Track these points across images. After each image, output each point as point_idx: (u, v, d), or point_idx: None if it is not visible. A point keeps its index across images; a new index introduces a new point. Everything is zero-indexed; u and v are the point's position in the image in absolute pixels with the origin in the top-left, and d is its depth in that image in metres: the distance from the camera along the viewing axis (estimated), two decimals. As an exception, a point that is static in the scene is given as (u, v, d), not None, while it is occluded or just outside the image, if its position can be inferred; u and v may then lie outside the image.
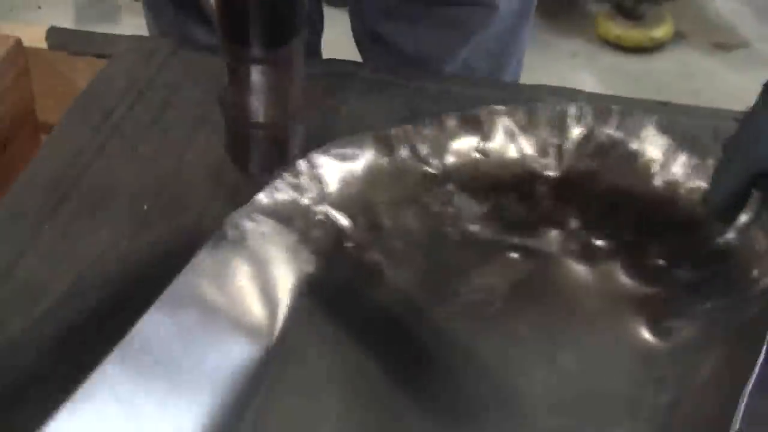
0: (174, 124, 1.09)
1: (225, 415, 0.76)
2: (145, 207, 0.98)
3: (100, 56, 1.20)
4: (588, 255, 0.90)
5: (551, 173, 0.94)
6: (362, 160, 0.93)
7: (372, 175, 0.93)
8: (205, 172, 1.02)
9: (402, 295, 0.88)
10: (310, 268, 0.88)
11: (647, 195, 0.91)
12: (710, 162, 0.89)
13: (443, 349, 0.84)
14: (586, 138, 0.94)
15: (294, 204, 0.89)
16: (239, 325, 0.81)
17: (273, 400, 0.79)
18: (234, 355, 0.79)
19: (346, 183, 0.92)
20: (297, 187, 0.90)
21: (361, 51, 1.34)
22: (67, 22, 2.83)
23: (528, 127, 0.95)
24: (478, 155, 0.95)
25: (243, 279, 0.83)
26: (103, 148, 1.05)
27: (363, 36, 1.32)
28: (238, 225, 0.85)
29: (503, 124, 0.95)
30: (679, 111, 1.09)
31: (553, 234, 0.91)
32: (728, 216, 0.86)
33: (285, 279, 0.86)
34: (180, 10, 1.29)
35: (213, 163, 1.03)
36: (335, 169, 0.92)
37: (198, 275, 0.80)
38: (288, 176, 0.89)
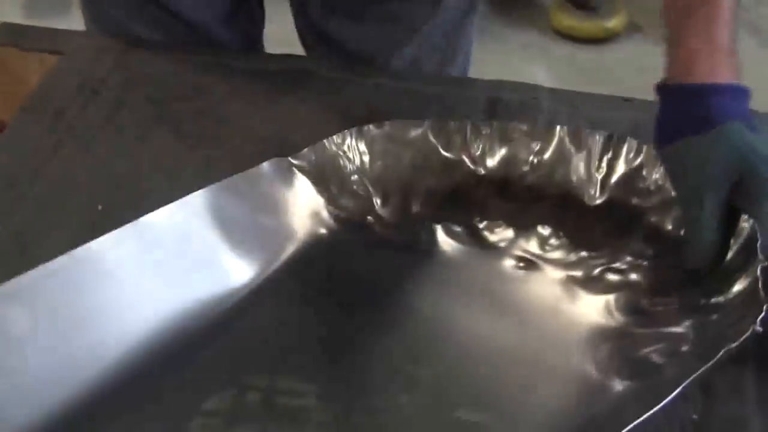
0: (128, 123, 1.07)
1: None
2: (100, 207, 0.97)
3: (52, 52, 1.18)
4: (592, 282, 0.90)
5: (593, 202, 0.95)
6: (413, 145, 0.96)
7: (419, 161, 0.96)
8: (160, 171, 1.01)
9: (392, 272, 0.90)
10: (322, 230, 0.91)
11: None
12: None
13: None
14: (629, 176, 0.95)
15: (334, 168, 0.93)
16: (232, 253, 0.87)
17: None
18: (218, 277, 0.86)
19: (391, 161, 0.95)
20: (342, 154, 0.94)
21: (305, 48, 1.32)
22: (15, 13, 2.79)
23: (580, 147, 0.96)
24: (526, 167, 0.96)
25: (258, 216, 0.89)
26: (57, 148, 1.04)
27: (307, 33, 1.30)
28: (275, 168, 0.91)
29: (558, 140, 0.96)
30: (644, 107, 1.08)
31: (570, 256, 0.92)
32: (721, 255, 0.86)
33: (292, 232, 0.90)
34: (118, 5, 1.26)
35: (168, 163, 1.02)
36: (384, 146, 0.95)
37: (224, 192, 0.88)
38: (336, 140, 0.94)
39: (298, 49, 1.28)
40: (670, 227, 0.91)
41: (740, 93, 0.87)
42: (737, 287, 0.81)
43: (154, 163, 1.02)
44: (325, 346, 0.83)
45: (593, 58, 2.81)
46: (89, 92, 1.11)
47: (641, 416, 0.68)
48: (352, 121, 1.05)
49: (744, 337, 0.74)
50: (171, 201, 0.91)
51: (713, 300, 0.82)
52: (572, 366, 0.81)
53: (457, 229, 0.93)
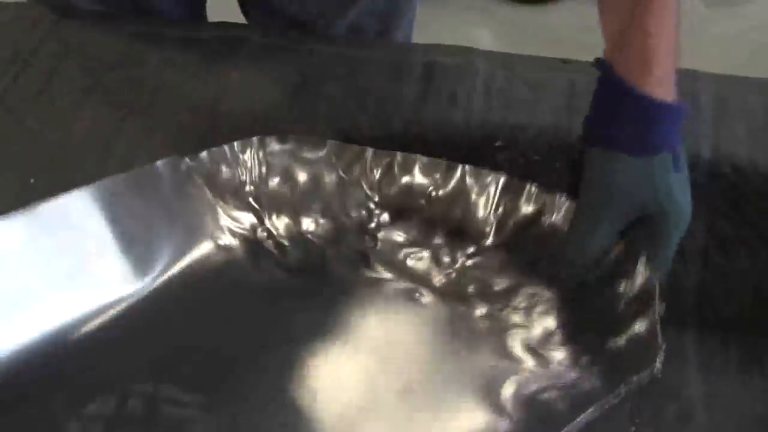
0: (60, 94, 1.06)
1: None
2: (32, 180, 0.95)
3: (-19, 24, 1.17)
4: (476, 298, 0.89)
5: (489, 242, 0.93)
6: (313, 164, 0.94)
7: (316, 181, 0.94)
8: (93, 142, 1.00)
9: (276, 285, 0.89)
10: (215, 240, 0.90)
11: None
12: None
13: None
14: (532, 220, 0.93)
15: (231, 176, 0.92)
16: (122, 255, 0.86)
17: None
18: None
19: (288, 177, 0.94)
20: (241, 163, 0.92)
21: (245, 14, 1.31)
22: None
23: (480, 186, 0.94)
24: (423, 200, 0.94)
25: (151, 218, 0.88)
26: (-13, 121, 1.02)
27: (248, 3, 1.29)
28: (171, 169, 0.89)
29: (459, 176, 0.94)
30: (582, 69, 1.08)
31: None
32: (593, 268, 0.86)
33: (185, 239, 0.89)
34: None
35: (102, 134, 1.01)
36: (283, 161, 0.94)
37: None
38: (237, 147, 0.92)
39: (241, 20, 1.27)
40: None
41: (680, 114, 0.85)
42: (635, 330, 0.81)
43: (88, 134, 1.01)
44: (212, 358, 0.82)
45: (536, 20, 2.81)
46: (21, 63, 1.09)
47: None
48: (286, 87, 1.05)
49: (643, 375, 0.76)
50: (104, 173, 0.91)
51: (611, 344, 0.81)
52: (464, 403, 0.80)
53: (348, 252, 0.92)
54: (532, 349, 0.84)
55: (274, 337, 0.84)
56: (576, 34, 2.67)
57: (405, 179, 0.94)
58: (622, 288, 0.84)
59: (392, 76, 1.08)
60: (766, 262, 0.89)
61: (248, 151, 0.93)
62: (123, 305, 0.85)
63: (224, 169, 0.92)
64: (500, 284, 0.89)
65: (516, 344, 0.84)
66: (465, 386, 0.81)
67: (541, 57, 1.13)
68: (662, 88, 0.83)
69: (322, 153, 0.94)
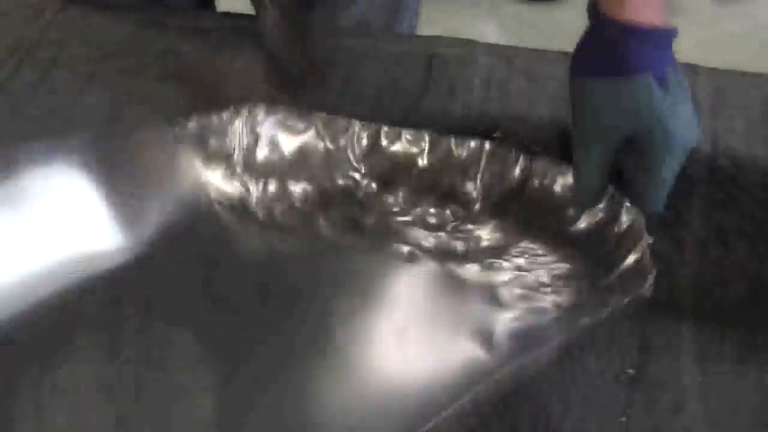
0: (62, 83, 1.06)
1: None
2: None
3: (-16, 13, 1.17)
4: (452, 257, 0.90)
5: (474, 207, 0.94)
6: (300, 135, 0.96)
7: (303, 151, 0.95)
8: (94, 131, 0.99)
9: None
10: (204, 209, 0.91)
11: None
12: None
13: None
14: (519, 186, 0.94)
15: (219, 145, 0.93)
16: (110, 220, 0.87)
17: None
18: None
19: (276, 147, 0.95)
20: (230, 132, 0.94)
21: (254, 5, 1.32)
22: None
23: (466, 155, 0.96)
24: (410, 170, 0.95)
25: (140, 185, 0.89)
26: (-11, 110, 1.03)
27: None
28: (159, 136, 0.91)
29: (446, 146, 0.96)
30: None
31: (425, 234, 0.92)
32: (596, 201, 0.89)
33: (173, 208, 0.90)
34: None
35: (102, 122, 1.01)
36: (271, 131, 0.95)
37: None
38: (224, 116, 0.94)
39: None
40: (557, 229, 0.91)
41: (665, 37, 0.85)
42: (626, 264, 0.83)
43: (88, 123, 1.01)
44: (206, 324, 0.83)
45: (543, 16, 2.80)
46: (23, 52, 1.09)
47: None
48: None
49: (632, 297, 0.79)
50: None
51: (603, 281, 0.84)
52: (456, 341, 0.82)
53: (337, 218, 0.93)
54: (524, 296, 0.85)
55: (268, 293, 0.85)
56: (581, 31, 2.68)
57: (392, 149, 0.95)
58: (611, 231, 0.87)
59: (392, 66, 1.08)
60: (764, 254, 0.89)
61: (237, 121, 0.94)
62: (110, 275, 0.85)
63: (212, 137, 0.93)
64: (489, 244, 0.91)
65: (507, 292, 0.86)
66: (457, 327, 0.83)
67: (541, 50, 1.13)
68: (642, 15, 0.84)
69: (309, 123, 0.95)
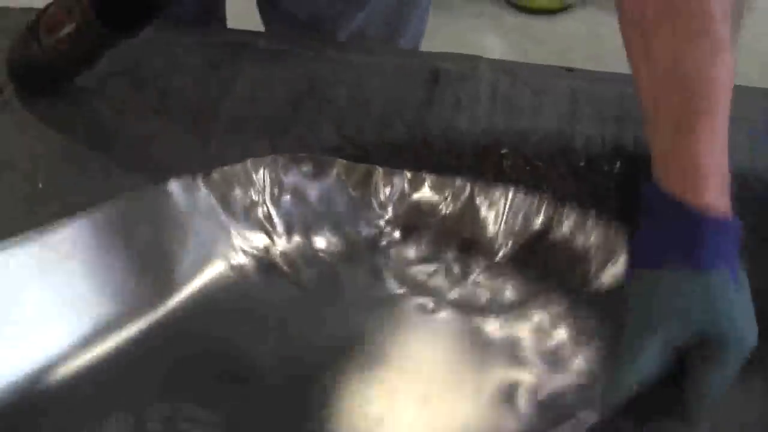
0: (66, 98, 1.06)
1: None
2: (40, 185, 0.96)
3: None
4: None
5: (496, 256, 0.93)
6: (323, 184, 0.95)
7: (326, 199, 0.94)
8: (99, 146, 1.01)
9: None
10: (228, 260, 0.90)
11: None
12: None
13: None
14: (541, 233, 0.93)
15: (243, 195, 0.92)
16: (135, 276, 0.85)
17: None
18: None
19: (299, 196, 0.94)
20: (253, 182, 0.93)
21: (262, 16, 1.33)
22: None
23: (489, 202, 0.95)
24: (433, 218, 0.95)
25: (163, 238, 0.87)
26: (-8, 124, 1.03)
27: (263, 4, 1.30)
28: (182, 187, 0.89)
29: (469, 193, 0.95)
30: (585, 77, 1.09)
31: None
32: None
33: (197, 259, 0.88)
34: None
35: (108, 137, 1.02)
36: (295, 179, 0.94)
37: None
38: (248, 166, 0.93)
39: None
40: (580, 283, 0.89)
41: (736, 231, 0.79)
42: None
43: (94, 138, 1.02)
44: (228, 376, 0.83)
45: (546, 29, 2.81)
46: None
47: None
48: (291, 92, 1.06)
49: None
50: (109, 176, 0.92)
51: None
52: (480, 409, 0.81)
53: (360, 269, 0.92)
54: (545, 357, 0.84)
55: (290, 353, 0.85)
56: (585, 44, 2.68)
57: (414, 197, 0.95)
58: None
59: (397, 82, 1.09)
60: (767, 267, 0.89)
61: (260, 171, 0.93)
62: (138, 326, 0.84)
63: (237, 188, 0.92)
64: (512, 296, 0.90)
65: (529, 353, 0.85)
66: (481, 393, 0.82)
67: (545, 65, 1.13)
68: (719, 203, 0.78)
69: (332, 172, 0.95)
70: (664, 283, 0.77)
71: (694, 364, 0.76)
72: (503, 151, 0.98)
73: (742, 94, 1.07)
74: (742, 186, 0.95)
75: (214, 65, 1.11)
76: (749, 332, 0.76)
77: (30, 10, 1.16)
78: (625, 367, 0.76)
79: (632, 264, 0.82)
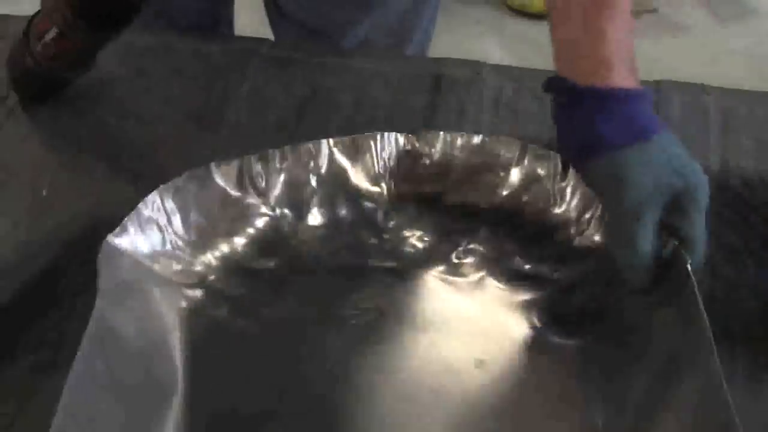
0: (70, 105, 1.06)
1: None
2: (44, 193, 0.96)
3: (-5, 37, 1.17)
4: (455, 270, 0.90)
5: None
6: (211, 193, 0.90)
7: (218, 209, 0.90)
8: (103, 153, 1.01)
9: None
10: (186, 302, 0.85)
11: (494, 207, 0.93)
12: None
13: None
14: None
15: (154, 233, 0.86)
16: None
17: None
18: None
19: (201, 215, 0.89)
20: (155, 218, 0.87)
21: (270, 23, 1.33)
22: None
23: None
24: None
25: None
26: (-1, 130, 1.03)
27: (270, 9, 1.31)
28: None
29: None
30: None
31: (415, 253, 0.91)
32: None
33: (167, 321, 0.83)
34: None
35: (111, 144, 1.02)
36: (190, 202, 0.88)
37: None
38: (149, 202, 0.86)
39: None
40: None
41: (650, 96, 0.84)
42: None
43: (97, 145, 1.02)
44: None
45: (546, 34, 2.80)
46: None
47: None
48: (295, 99, 1.06)
49: None
50: (114, 182, 0.91)
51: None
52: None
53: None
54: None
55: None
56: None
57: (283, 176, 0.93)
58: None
59: (401, 88, 1.09)
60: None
61: (156, 201, 0.86)
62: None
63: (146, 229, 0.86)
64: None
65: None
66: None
67: (549, 70, 1.13)
68: (627, 80, 0.82)
69: (210, 178, 0.90)
70: (629, 162, 0.79)
71: (679, 223, 0.80)
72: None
73: (746, 99, 1.07)
74: (749, 191, 0.95)
75: (218, 72, 1.11)
76: (702, 175, 0.80)
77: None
78: (629, 252, 0.79)
79: (576, 161, 0.85)
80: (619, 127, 0.80)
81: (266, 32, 1.28)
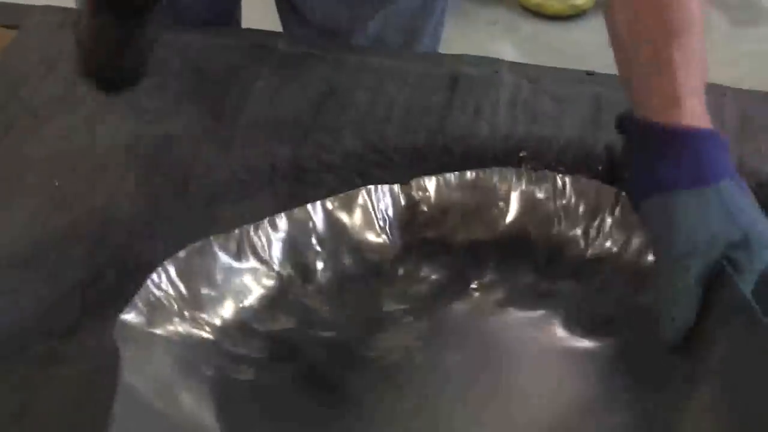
0: (85, 98, 1.05)
1: None
2: (57, 183, 0.96)
3: (9, 27, 1.17)
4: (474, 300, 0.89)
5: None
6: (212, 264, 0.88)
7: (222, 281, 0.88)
8: (117, 146, 1.00)
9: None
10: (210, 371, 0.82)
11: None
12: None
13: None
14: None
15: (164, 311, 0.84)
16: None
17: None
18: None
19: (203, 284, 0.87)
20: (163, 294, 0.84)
21: (281, 19, 1.32)
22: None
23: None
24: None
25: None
26: (12, 124, 1.03)
27: (281, 5, 1.30)
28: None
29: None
30: (606, 81, 1.08)
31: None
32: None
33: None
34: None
35: (125, 138, 1.01)
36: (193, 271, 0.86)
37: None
38: (156, 280, 0.83)
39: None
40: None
41: (723, 142, 0.80)
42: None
43: (111, 139, 1.01)
44: None
45: (561, 35, 2.80)
46: (45, 68, 1.10)
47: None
48: (312, 96, 1.05)
49: None
50: (127, 178, 0.91)
51: None
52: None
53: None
54: None
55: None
56: (599, 50, 2.65)
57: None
58: None
59: (418, 86, 1.08)
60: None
61: (164, 276, 0.84)
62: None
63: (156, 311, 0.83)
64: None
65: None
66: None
67: (566, 69, 1.13)
68: (699, 119, 0.79)
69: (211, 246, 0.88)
70: (683, 207, 0.77)
71: (730, 277, 0.76)
72: (522, 153, 0.98)
73: (763, 101, 1.07)
74: (766, 195, 0.94)
75: (233, 68, 1.10)
76: (766, 228, 0.77)
77: (48, 8, 1.17)
78: (670, 301, 0.77)
79: (636, 199, 0.83)
80: (678, 169, 0.78)
81: (272, 29, 1.28)
